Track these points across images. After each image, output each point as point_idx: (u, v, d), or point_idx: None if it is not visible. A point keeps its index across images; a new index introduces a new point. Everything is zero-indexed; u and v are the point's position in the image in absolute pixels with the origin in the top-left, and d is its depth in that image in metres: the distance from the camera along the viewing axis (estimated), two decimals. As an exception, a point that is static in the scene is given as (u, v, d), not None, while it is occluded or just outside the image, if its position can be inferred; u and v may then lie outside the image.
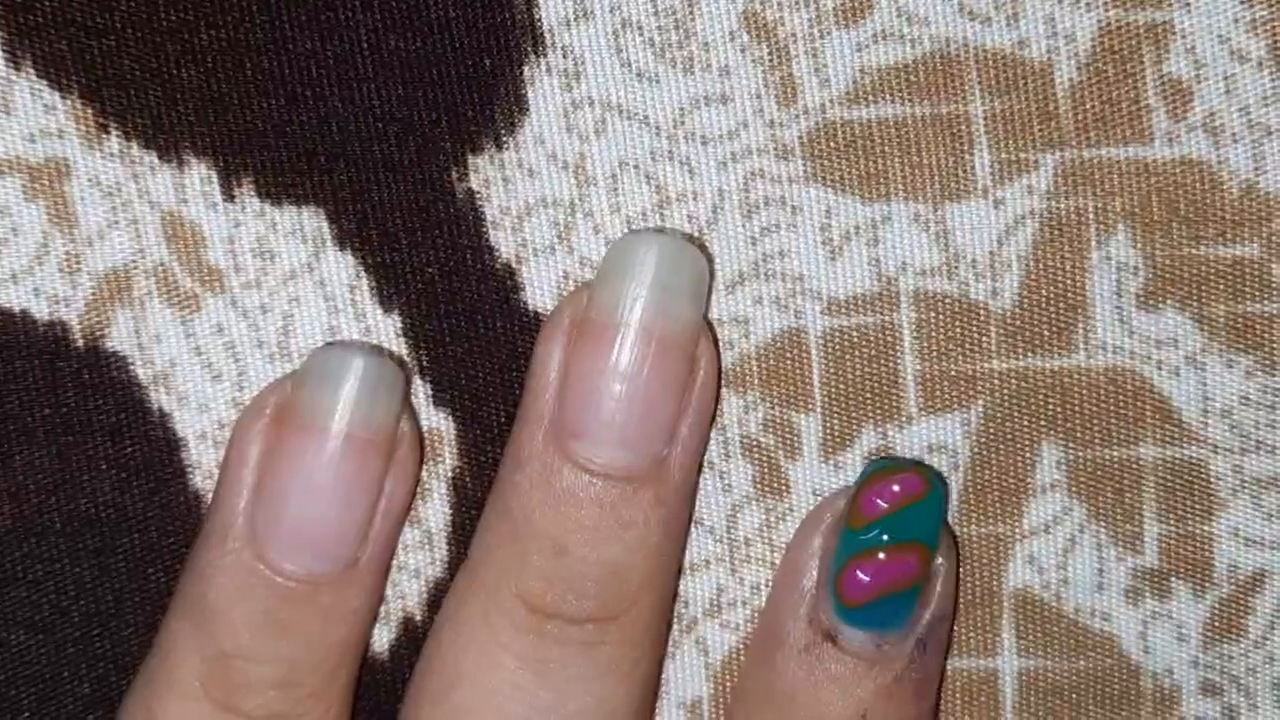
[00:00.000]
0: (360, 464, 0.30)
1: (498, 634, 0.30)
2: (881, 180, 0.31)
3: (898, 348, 0.32)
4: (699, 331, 0.30)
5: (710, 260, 0.31)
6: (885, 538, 0.30)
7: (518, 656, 0.30)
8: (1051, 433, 0.32)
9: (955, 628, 0.33)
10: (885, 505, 0.30)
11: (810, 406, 0.32)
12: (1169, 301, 0.31)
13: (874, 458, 0.32)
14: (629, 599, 0.30)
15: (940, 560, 0.31)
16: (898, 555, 0.30)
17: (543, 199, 0.32)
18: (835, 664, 0.30)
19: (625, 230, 0.32)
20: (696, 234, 0.32)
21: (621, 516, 0.30)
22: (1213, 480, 0.32)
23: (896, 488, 0.30)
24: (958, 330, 0.32)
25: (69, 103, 0.31)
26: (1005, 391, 0.32)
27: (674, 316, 0.30)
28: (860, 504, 0.30)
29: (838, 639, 0.30)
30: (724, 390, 0.32)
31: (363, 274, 0.32)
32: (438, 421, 0.32)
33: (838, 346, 0.32)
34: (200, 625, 0.30)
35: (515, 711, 0.30)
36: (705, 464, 0.32)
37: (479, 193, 0.32)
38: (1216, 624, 0.33)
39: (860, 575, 0.30)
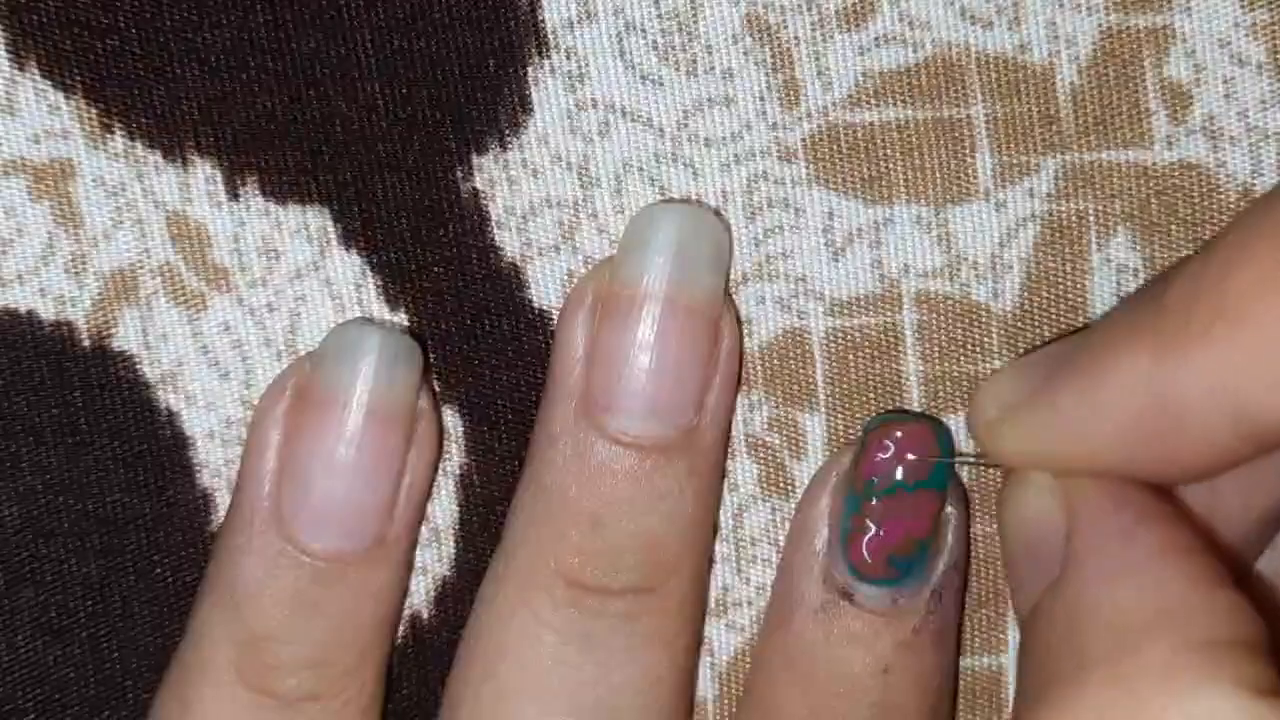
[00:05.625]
0: (382, 439, 0.30)
1: (538, 611, 0.30)
2: (884, 183, 0.31)
3: (900, 348, 0.32)
4: (721, 299, 0.31)
5: (728, 229, 0.31)
6: (892, 492, 0.30)
7: (558, 632, 0.30)
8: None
9: (961, 627, 0.33)
10: (890, 459, 0.30)
11: (814, 406, 0.32)
12: (1169, 305, 0.32)
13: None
14: (667, 569, 0.30)
15: (950, 509, 0.31)
16: (906, 509, 0.30)
17: (547, 199, 0.32)
18: (853, 621, 0.30)
19: (630, 231, 0.32)
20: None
21: (656, 487, 0.30)
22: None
23: (900, 439, 0.30)
24: (959, 331, 0.32)
25: (73, 103, 0.31)
26: (1007, 393, 0.32)
27: (697, 285, 0.30)
28: (865, 460, 0.30)
29: (854, 596, 0.30)
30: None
31: (369, 273, 0.32)
32: (445, 419, 0.32)
33: (840, 347, 0.32)
34: (230, 610, 0.30)
35: (559, 687, 0.30)
36: (711, 464, 0.32)
37: (484, 192, 0.32)
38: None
39: (869, 534, 0.30)
